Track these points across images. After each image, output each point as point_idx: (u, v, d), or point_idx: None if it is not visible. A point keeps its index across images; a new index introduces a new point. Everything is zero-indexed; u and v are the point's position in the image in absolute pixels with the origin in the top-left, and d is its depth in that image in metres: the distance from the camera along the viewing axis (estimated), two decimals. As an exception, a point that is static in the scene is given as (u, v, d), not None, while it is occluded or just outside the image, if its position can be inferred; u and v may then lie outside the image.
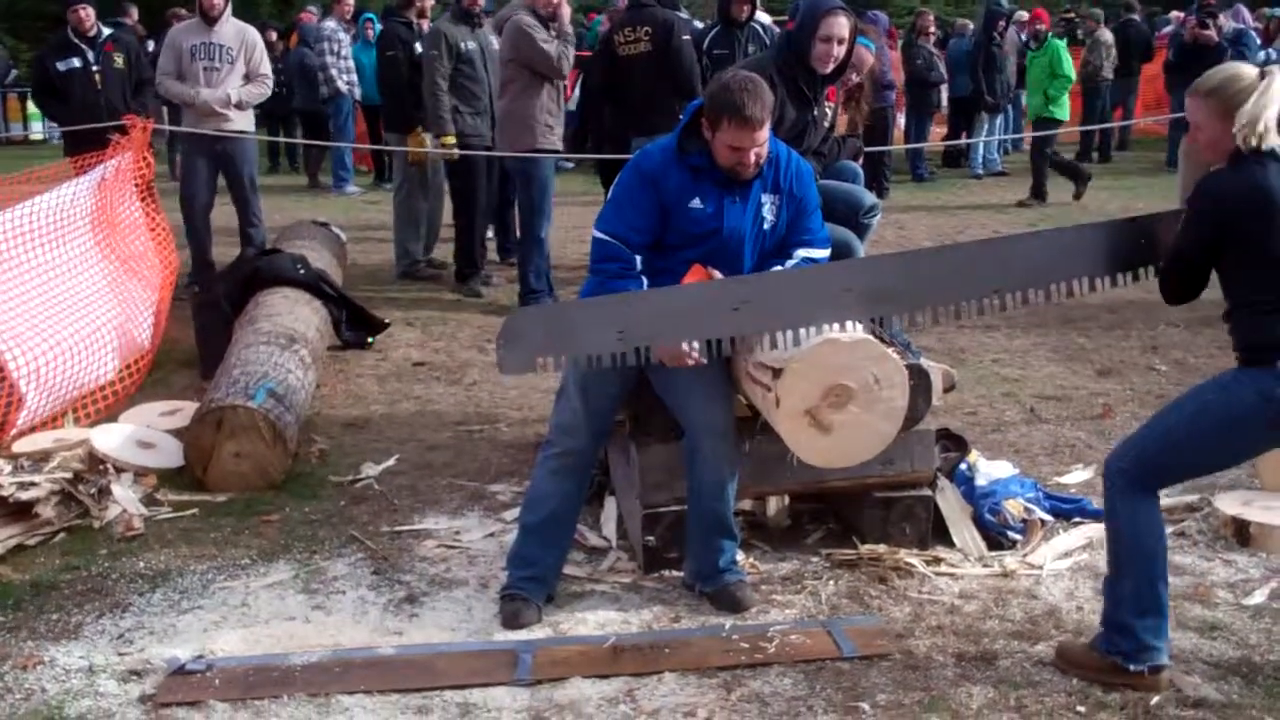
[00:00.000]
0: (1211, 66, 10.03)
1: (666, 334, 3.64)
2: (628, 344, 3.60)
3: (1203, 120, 3.39)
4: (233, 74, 8.36)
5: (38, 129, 21.16)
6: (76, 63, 8.63)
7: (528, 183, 8.21)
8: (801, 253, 4.03)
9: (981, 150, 16.29)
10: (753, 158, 3.83)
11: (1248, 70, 3.37)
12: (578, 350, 3.62)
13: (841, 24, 4.65)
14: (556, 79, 8.14)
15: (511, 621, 3.89)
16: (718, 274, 3.91)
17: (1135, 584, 3.42)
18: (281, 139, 16.20)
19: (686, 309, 3.65)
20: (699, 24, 10.11)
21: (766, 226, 3.98)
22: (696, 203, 3.88)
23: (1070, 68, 13.34)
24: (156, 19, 16.01)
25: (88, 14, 8.61)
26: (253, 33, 8.60)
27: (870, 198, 5.05)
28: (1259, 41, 12.25)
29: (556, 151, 8.35)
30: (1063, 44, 13.67)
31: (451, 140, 8.37)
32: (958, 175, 16.37)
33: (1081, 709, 3.35)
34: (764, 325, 3.65)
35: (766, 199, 3.96)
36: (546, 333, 3.63)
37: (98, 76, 8.61)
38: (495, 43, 8.54)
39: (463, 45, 8.40)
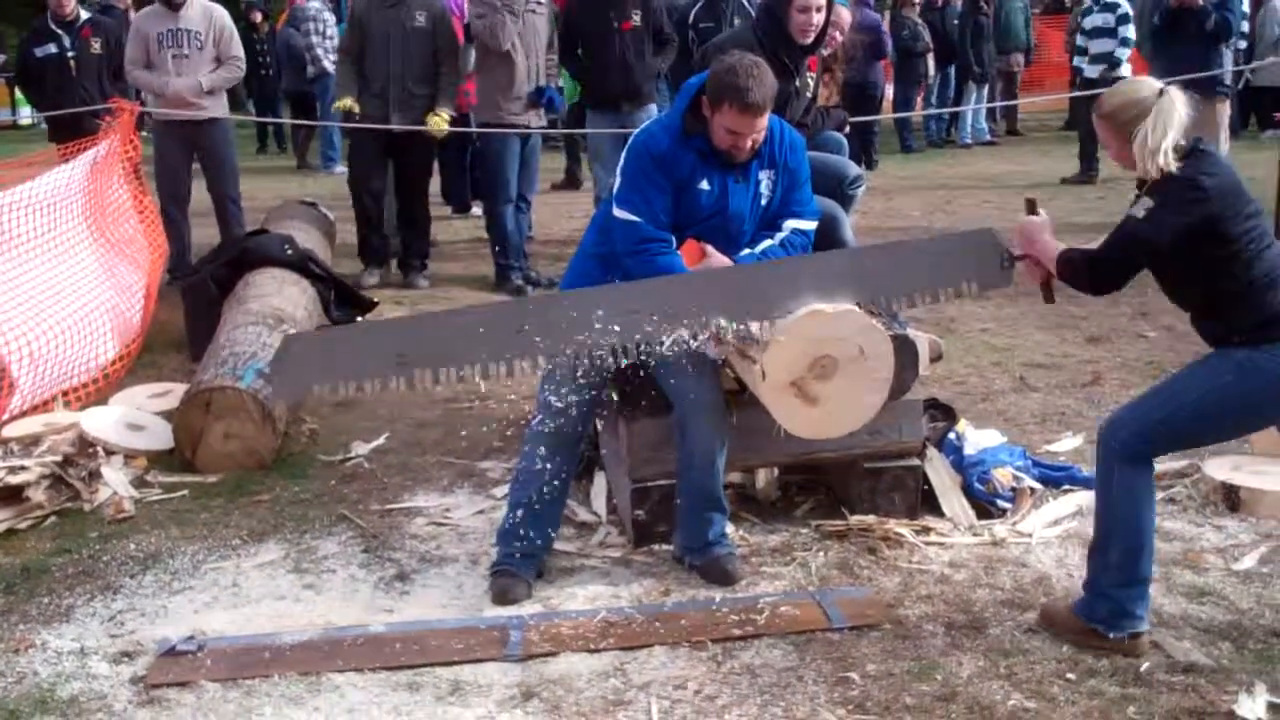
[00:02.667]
0: (1195, 31, 9.89)
1: (452, 356, 3.56)
2: (409, 369, 3.54)
3: (1106, 138, 3.44)
4: (203, 59, 8.04)
5: (26, 114, 21.06)
6: (53, 49, 8.54)
7: (482, 158, 8.16)
8: (791, 224, 4.02)
9: (970, 120, 16.27)
10: (749, 143, 3.81)
11: (1146, 91, 3.36)
12: (356, 378, 3.54)
13: None
14: (494, 50, 7.98)
15: (502, 598, 3.89)
16: (710, 249, 3.90)
17: (1122, 554, 3.42)
18: (269, 120, 16.17)
19: (473, 330, 3.60)
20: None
21: (764, 202, 3.98)
22: (704, 184, 3.86)
23: None
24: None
25: None
26: (220, 13, 8.25)
27: (854, 169, 5.04)
28: (1244, 5, 12.13)
29: (508, 127, 8.10)
30: None
31: (344, 105, 8.11)
32: (946, 145, 16.37)
33: (1071, 676, 3.36)
34: (553, 347, 3.60)
35: (764, 175, 3.95)
36: (321, 360, 3.57)
37: (73, 63, 8.50)
38: (422, 20, 8.12)
39: (369, 25, 8.12)
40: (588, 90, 8.78)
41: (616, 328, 3.60)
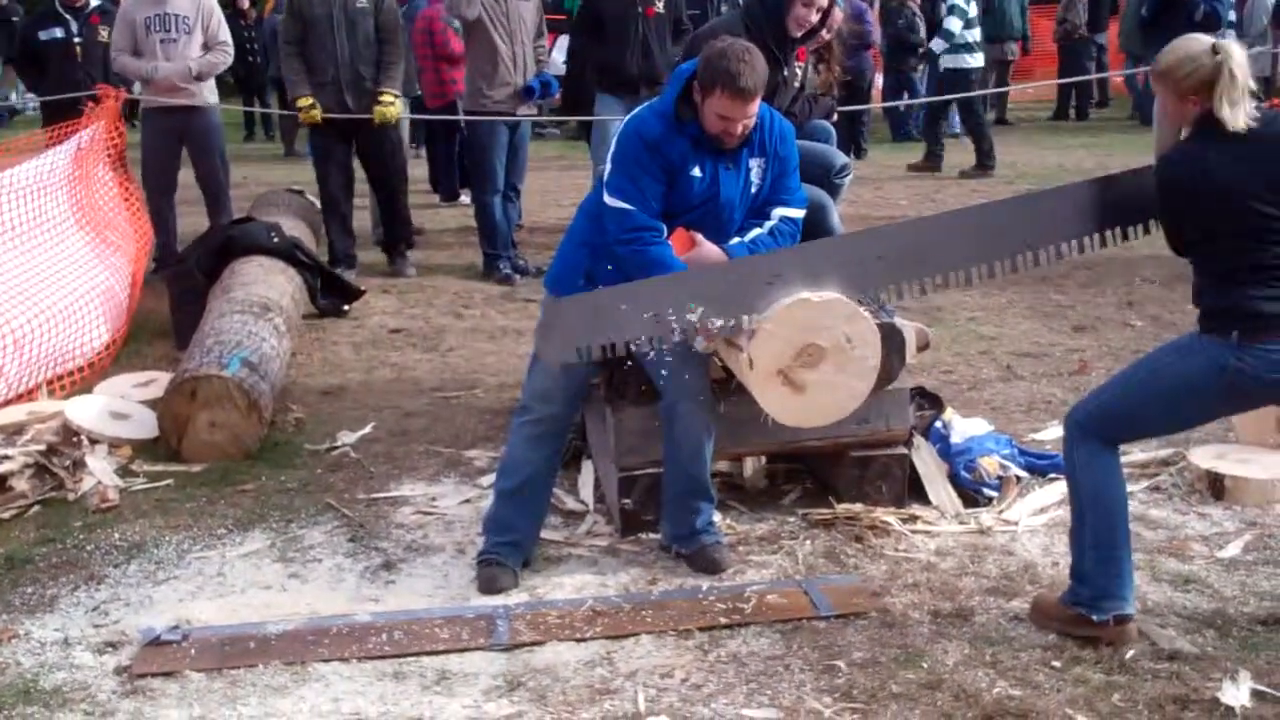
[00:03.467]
0: (1182, 19, 9.88)
1: (712, 314, 3.62)
2: (665, 327, 3.60)
3: (1161, 97, 3.41)
4: (191, 44, 7.94)
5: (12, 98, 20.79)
6: (58, 33, 8.40)
7: (470, 147, 8.06)
8: (779, 211, 4.00)
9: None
10: (740, 129, 3.79)
11: (1198, 48, 3.30)
12: (618, 337, 3.62)
13: None
14: (463, 18, 7.92)
15: (488, 587, 3.89)
16: (700, 237, 3.88)
17: (1094, 532, 3.43)
18: (257, 109, 16.11)
19: (727, 288, 3.64)
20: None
21: (754, 190, 3.96)
22: (696, 171, 3.84)
23: None
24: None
25: None
26: None
27: (841, 158, 5.03)
28: None
29: (495, 115, 8.00)
30: None
31: (304, 103, 7.90)
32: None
33: (1057, 663, 3.36)
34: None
35: (754, 163, 3.93)
36: (587, 320, 3.63)
37: (78, 48, 8.37)
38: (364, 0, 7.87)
39: (309, 10, 7.87)
40: (604, 74, 8.67)
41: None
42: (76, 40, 8.41)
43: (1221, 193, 3.24)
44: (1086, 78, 11.28)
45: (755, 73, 3.71)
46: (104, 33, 8.45)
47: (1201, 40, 3.34)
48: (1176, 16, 9.34)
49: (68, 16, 8.45)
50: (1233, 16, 12.32)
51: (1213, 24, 9.33)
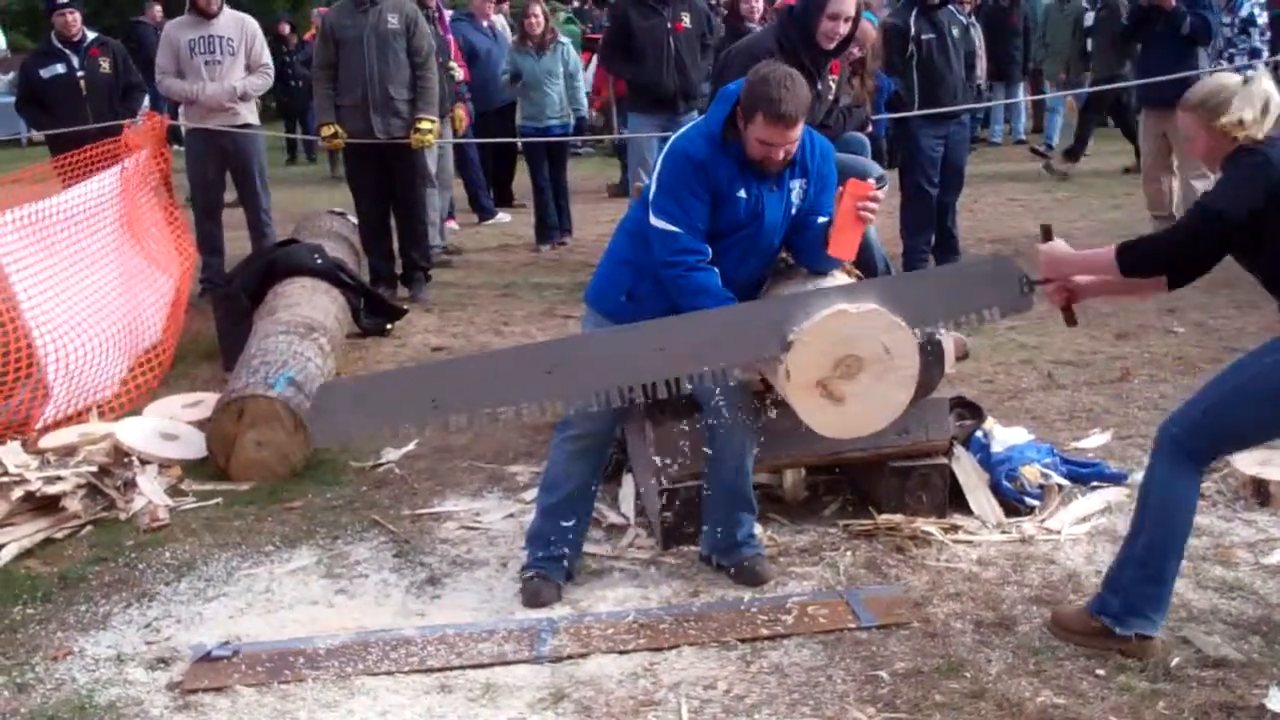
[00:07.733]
0: (1167, 32, 9.31)
1: (482, 400, 3.59)
2: (443, 412, 3.58)
3: (1193, 132, 3.40)
4: (235, 65, 8.07)
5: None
6: (60, 69, 8.37)
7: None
8: (822, 220, 4.01)
9: (1001, 119, 16.17)
10: (780, 154, 3.79)
11: (1230, 79, 3.34)
12: (392, 423, 3.61)
13: (849, 1, 4.65)
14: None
15: (532, 600, 3.93)
16: None
17: (1148, 548, 3.40)
18: (298, 135, 16.27)
19: (500, 374, 3.64)
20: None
21: (794, 211, 3.97)
22: (742, 193, 3.84)
23: None
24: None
25: (74, 18, 8.33)
26: (252, 22, 8.30)
27: (876, 169, 5.04)
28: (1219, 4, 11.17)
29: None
30: None
31: (327, 131, 7.93)
32: (977, 144, 16.28)
33: (1101, 672, 3.36)
34: (584, 388, 3.65)
35: (795, 184, 3.93)
36: (357, 407, 3.60)
37: (83, 83, 8.35)
38: (395, 22, 7.85)
39: (341, 32, 7.87)
40: (640, 92, 8.74)
41: (648, 368, 3.64)
42: (80, 75, 8.38)
43: None
44: (1121, 85, 11.12)
45: (796, 99, 3.70)
46: (105, 64, 8.47)
47: (1229, 75, 3.39)
48: (1156, 27, 8.68)
49: (67, 51, 8.40)
50: (1228, 33, 11.61)
51: (1201, 37, 8.56)
